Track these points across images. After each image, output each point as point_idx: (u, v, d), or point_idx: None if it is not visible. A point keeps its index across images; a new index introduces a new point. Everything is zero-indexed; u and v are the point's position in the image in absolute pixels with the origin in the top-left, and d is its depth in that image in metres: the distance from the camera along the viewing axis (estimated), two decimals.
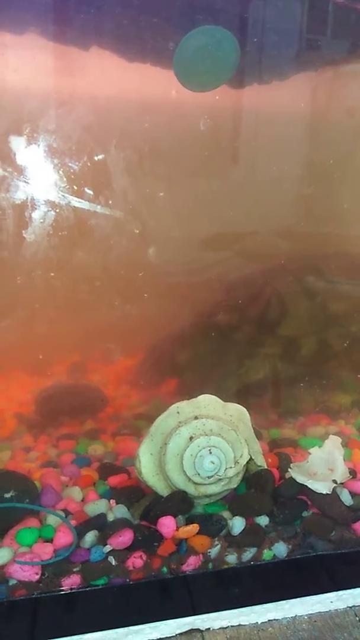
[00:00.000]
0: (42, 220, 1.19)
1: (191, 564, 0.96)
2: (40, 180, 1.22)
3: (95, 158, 1.23)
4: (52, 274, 1.31)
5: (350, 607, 1.00)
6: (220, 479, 0.96)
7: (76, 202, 1.17)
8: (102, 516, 0.97)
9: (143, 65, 1.25)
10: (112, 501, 1.01)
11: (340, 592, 1.02)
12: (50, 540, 0.92)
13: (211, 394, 1.03)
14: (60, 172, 1.19)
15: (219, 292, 1.45)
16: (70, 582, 0.90)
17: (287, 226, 1.50)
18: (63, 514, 0.97)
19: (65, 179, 1.22)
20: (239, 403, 1.05)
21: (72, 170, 1.23)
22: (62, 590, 0.90)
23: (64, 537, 0.92)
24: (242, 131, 1.44)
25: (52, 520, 0.96)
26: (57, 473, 1.10)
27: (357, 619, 0.98)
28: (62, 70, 1.26)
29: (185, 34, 1.00)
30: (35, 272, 1.31)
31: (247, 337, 1.38)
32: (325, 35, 1.28)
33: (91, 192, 1.22)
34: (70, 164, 1.23)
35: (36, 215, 1.21)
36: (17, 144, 1.14)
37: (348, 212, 1.54)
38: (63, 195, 1.16)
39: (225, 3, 1.08)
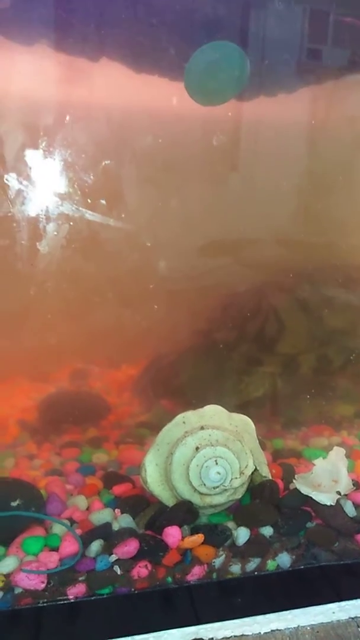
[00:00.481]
0: (50, 231, 1.20)
1: (196, 573, 0.96)
2: (46, 190, 1.23)
3: (103, 163, 1.24)
4: (56, 283, 1.32)
5: (352, 618, 1.01)
6: (225, 490, 0.97)
7: (83, 213, 1.18)
8: (107, 525, 0.97)
9: (151, 77, 1.27)
10: (117, 510, 1.02)
11: (343, 603, 1.02)
12: (56, 549, 0.93)
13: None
14: (69, 184, 1.20)
15: (218, 308, 1.46)
16: (76, 591, 0.91)
17: (287, 235, 1.52)
18: (68, 523, 0.98)
19: (69, 189, 1.23)
20: (243, 413, 1.06)
21: (77, 180, 1.24)
22: (67, 599, 0.91)
23: (69, 546, 0.93)
24: (245, 142, 1.45)
25: (57, 529, 0.96)
26: (62, 481, 1.11)
27: (359, 629, 0.99)
28: (70, 81, 1.27)
29: (195, 49, 1.01)
30: (38, 280, 1.32)
31: (246, 354, 1.39)
32: (333, 48, 1.30)
33: (95, 202, 1.23)
34: (76, 174, 1.24)
35: (40, 224, 1.22)
36: (28, 155, 1.15)
37: (348, 223, 1.56)
38: (72, 207, 1.17)
39: (235, 18, 1.10)
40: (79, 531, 0.96)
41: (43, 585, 0.89)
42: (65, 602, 0.91)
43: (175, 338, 1.52)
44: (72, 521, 0.99)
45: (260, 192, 1.49)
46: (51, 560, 0.91)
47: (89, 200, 1.23)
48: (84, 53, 1.26)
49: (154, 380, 1.49)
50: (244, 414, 1.07)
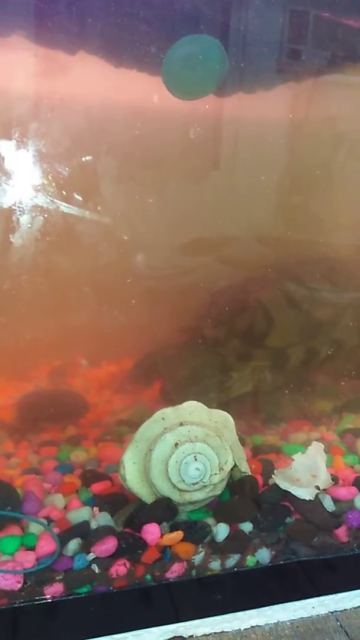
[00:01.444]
0: (28, 225, 1.18)
1: (175, 571, 0.96)
2: (23, 183, 1.21)
3: (83, 159, 1.22)
4: (33, 278, 1.30)
5: (331, 612, 1.01)
6: (205, 486, 0.96)
7: (64, 207, 1.17)
8: (85, 524, 0.96)
9: (129, 72, 1.26)
10: (96, 508, 1.00)
11: (322, 598, 1.03)
12: (32, 549, 0.91)
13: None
14: (44, 176, 1.19)
15: (201, 305, 1.45)
16: (53, 591, 0.89)
17: (269, 232, 1.52)
18: (45, 522, 0.96)
19: (49, 183, 1.21)
20: (222, 409, 1.06)
21: (55, 175, 1.23)
22: (45, 599, 0.89)
23: (46, 545, 0.91)
24: (226, 139, 1.45)
25: (34, 528, 0.95)
26: (39, 480, 1.09)
27: (339, 624, 0.99)
28: (47, 74, 1.26)
29: (173, 42, 1.00)
30: (16, 275, 1.30)
31: (233, 348, 1.39)
32: (312, 47, 1.31)
33: (76, 197, 1.22)
34: (53, 168, 1.22)
35: (19, 218, 1.20)
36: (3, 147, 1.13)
37: (329, 220, 1.57)
38: (50, 200, 1.15)
39: (213, 12, 1.09)
40: (56, 530, 0.95)
41: (19, 585, 0.87)
42: (42, 602, 0.89)
43: (157, 336, 1.51)
44: (49, 520, 0.98)
45: (240, 189, 1.49)
46: (28, 559, 0.89)
47: (63, 192, 1.21)
48: (61, 45, 1.24)
49: (143, 377, 1.48)
50: (229, 409, 1.06)
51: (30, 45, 1.23)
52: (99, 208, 1.24)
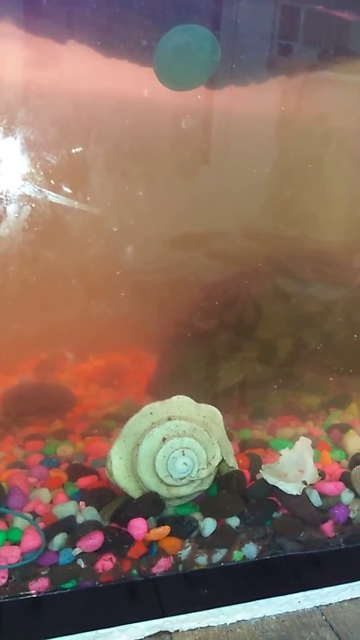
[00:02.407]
0: (15, 215, 1.16)
1: (161, 566, 0.95)
2: (11, 173, 1.18)
3: (73, 151, 1.21)
4: (20, 270, 1.28)
5: (317, 607, 1.02)
6: (192, 481, 0.96)
7: (52, 197, 1.15)
8: (71, 518, 0.95)
9: (120, 62, 1.24)
10: (82, 503, 0.99)
11: (308, 592, 1.03)
12: (17, 543, 0.90)
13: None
14: (32, 165, 1.17)
15: (194, 295, 1.44)
16: (38, 586, 0.88)
17: (259, 227, 1.51)
18: (31, 517, 0.95)
19: (38, 173, 1.20)
20: (210, 404, 1.05)
21: (42, 165, 1.21)
22: (30, 594, 0.88)
23: (31, 540, 0.90)
24: (216, 132, 1.44)
25: (19, 522, 0.93)
26: (24, 474, 1.08)
27: (324, 618, 1.00)
28: (36, 62, 1.23)
29: (165, 32, 0.99)
30: (2, 266, 1.28)
31: (221, 341, 1.38)
32: (305, 41, 1.30)
33: (65, 189, 1.20)
34: (40, 158, 1.20)
35: (5, 207, 1.18)
36: None
37: (319, 216, 1.56)
38: (38, 190, 1.13)
39: (206, 2, 1.08)
40: (41, 524, 0.93)
41: (4, 581, 0.87)
42: (27, 597, 0.88)
43: (147, 329, 1.50)
44: (34, 514, 0.96)
45: (230, 183, 1.48)
46: (12, 554, 0.88)
47: (51, 182, 1.19)
48: (51, 34, 1.22)
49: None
50: (217, 403, 1.06)
51: (19, 32, 1.20)
52: (88, 198, 1.23)
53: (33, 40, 1.23)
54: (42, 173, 1.17)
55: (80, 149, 1.25)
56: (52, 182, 1.16)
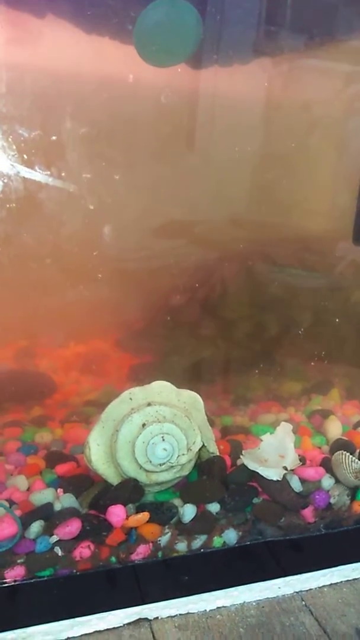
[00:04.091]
0: None
1: (140, 552, 0.94)
2: None
3: (51, 138, 1.17)
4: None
5: (297, 592, 1.02)
6: (172, 466, 0.94)
7: (26, 173, 1.11)
8: (48, 506, 0.93)
9: (101, 39, 1.20)
10: (60, 490, 0.97)
11: (288, 578, 1.03)
12: None
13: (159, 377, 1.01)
14: (8, 141, 1.13)
15: (174, 282, 1.43)
16: (14, 574, 0.87)
17: (239, 214, 1.49)
18: (7, 504, 0.93)
19: (13, 150, 1.16)
20: (191, 389, 1.04)
21: (18, 144, 1.17)
22: (5, 583, 0.87)
23: (7, 528, 0.88)
24: (199, 115, 1.41)
25: None
26: (1, 461, 1.05)
27: (304, 603, 1.00)
28: (13, 37, 1.19)
29: (145, 6, 0.95)
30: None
31: (190, 320, 1.38)
32: (293, 25, 1.27)
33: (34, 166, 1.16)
34: (15, 141, 1.17)
35: None
36: None
37: (300, 203, 1.55)
38: (12, 165, 1.10)
39: None
40: (18, 512, 0.91)
41: None
42: (3, 585, 0.87)
43: (127, 315, 1.48)
44: (11, 502, 0.94)
45: (216, 168, 1.46)
46: None
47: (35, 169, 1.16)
48: (28, 7, 1.17)
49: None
50: (195, 387, 1.04)
51: None
52: (62, 174, 1.19)
53: (10, 13, 1.19)
54: (16, 151, 1.14)
55: (53, 130, 1.21)
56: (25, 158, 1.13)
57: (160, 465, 0.94)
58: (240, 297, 1.39)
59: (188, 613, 0.95)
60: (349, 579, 1.07)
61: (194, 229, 1.46)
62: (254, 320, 1.42)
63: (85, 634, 0.89)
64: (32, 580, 0.88)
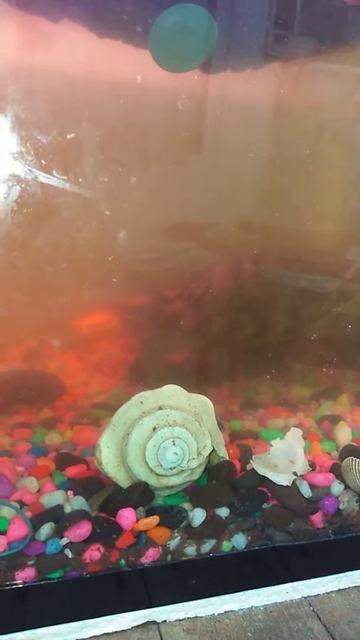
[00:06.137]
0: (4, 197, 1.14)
1: (150, 556, 0.94)
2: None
3: (68, 137, 1.18)
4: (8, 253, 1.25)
5: (305, 598, 1.02)
6: (182, 470, 0.95)
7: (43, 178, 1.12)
8: (58, 508, 0.94)
9: (115, 42, 1.21)
10: (70, 492, 0.98)
11: (296, 583, 1.03)
12: (3, 533, 0.89)
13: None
14: (23, 147, 1.14)
15: (184, 281, 1.43)
16: (24, 576, 0.87)
17: (247, 218, 1.49)
18: (18, 505, 0.94)
19: (29, 155, 1.17)
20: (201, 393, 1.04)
21: (34, 148, 1.18)
22: (16, 584, 0.87)
23: (18, 530, 0.89)
24: (210, 119, 1.41)
25: (6, 511, 0.92)
26: (12, 463, 1.06)
27: (312, 608, 0.99)
28: (29, 41, 1.20)
29: (161, 12, 0.96)
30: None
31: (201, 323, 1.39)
32: (302, 30, 1.27)
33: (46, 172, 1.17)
34: (32, 145, 1.17)
35: None
36: None
37: (307, 209, 1.55)
38: (29, 170, 1.11)
39: None
40: (28, 514, 0.92)
41: None
42: (13, 587, 0.87)
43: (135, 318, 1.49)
44: (22, 503, 0.95)
45: (226, 173, 1.46)
46: None
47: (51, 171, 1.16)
48: (43, 12, 1.18)
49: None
50: (204, 391, 1.05)
51: (10, 9, 1.17)
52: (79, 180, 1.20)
53: (26, 18, 1.19)
54: (32, 156, 1.14)
55: (66, 134, 1.22)
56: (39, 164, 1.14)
57: (171, 469, 0.94)
58: (247, 299, 1.39)
59: (196, 617, 0.95)
60: (357, 585, 1.06)
61: (206, 233, 1.46)
62: (262, 324, 1.42)
63: (94, 636, 0.89)
64: (42, 582, 0.89)
